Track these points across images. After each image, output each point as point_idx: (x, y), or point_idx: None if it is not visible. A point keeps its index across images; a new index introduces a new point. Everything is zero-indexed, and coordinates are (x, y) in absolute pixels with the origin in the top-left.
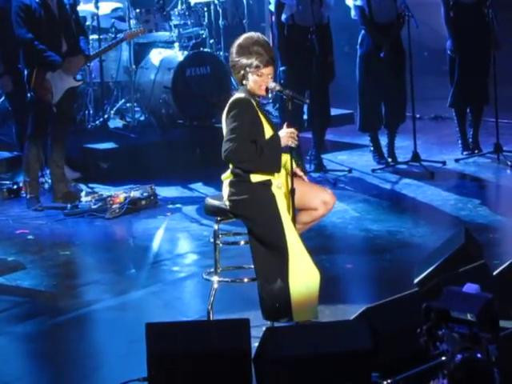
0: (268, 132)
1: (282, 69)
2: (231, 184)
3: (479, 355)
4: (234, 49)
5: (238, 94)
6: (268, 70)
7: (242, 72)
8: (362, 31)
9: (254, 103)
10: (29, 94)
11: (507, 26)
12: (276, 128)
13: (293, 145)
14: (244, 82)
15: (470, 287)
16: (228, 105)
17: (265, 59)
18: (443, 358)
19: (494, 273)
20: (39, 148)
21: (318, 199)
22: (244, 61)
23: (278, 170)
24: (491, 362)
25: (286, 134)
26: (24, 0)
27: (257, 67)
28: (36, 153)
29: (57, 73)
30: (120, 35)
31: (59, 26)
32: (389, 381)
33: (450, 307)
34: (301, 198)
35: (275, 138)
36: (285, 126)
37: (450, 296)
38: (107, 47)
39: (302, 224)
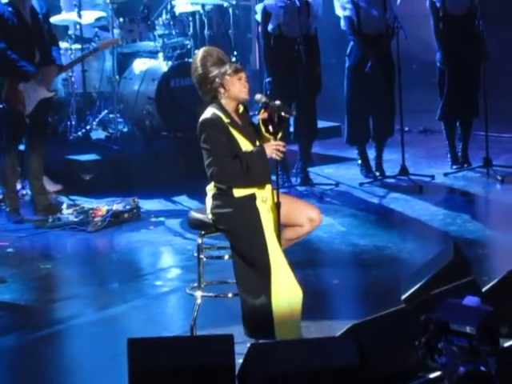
0: (245, 146)
1: (267, 80)
2: (214, 197)
3: (482, 368)
4: (204, 61)
5: (205, 114)
6: (244, 75)
7: (218, 81)
8: (351, 42)
9: (225, 118)
10: (1, 105)
11: (497, 38)
12: (255, 139)
13: (278, 158)
14: (220, 93)
15: (471, 300)
16: (197, 128)
17: (237, 65)
18: (441, 372)
19: (483, 289)
20: (14, 160)
21: (305, 216)
22: (218, 70)
23: (268, 182)
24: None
25: (271, 146)
26: None
27: (236, 71)
28: (11, 165)
29: (30, 83)
30: (93, 44)
31: (32, 35)
32: None
33: (449, 319)
34: (286, 214)
35: (259, 149)
36: (272, 139)
37: (449, 308)
38: (80, 57)
39: (287, 240)
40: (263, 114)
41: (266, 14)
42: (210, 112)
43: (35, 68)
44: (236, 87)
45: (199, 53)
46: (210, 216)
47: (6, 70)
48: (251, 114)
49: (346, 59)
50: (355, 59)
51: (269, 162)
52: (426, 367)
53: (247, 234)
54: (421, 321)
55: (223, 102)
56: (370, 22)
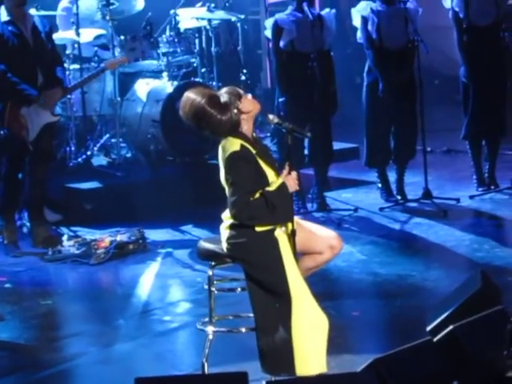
0: (271, 176)
1: (281, 100)
2: (232, 226)
3: None
4: (210, 111)
5: (232, 147)
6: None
7: (236, 113)
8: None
9: (252, 149)
10: (2, 132)
11: None
12: (276, 166)
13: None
14: (243, 120)
15: None
16: (225, 160)
17: (234, 90)
18: None
19: None
20: (14, 189)
21: (324, 243)
22: (231, 107)
23: (292, 219)
24: None
25: (293, 181)
26: None
27: (239, 96)
28: (10, 194)
29: (32, 108)
30: (101, 64)
31: (34, 56)
32: None
33: None
34: (305, 241)
35: (283, 187)
36: (286, 168)
37: None
38: (87, 78)
39: (305, 270)
40: None
41: (278, 29)
42: (236, 144)
43: (38, 91)
44: (251, 104)
45: (194, 101)
46: (225, 245)
47: (6, 94)
48: (262, 135)
49: (365, 76)
50: (375, 76)
51: (291, 199)
52: None
53: (265, 263)
54: (507, 330)
55: (244, 128)
56: (391, 36)
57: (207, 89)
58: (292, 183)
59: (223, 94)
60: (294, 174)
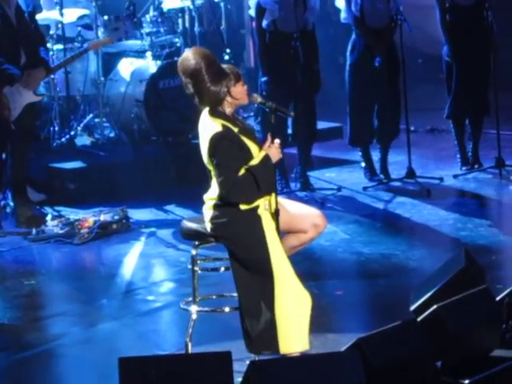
0: (255, 152)
1: (263, 79)
2: (216, 206)
3: None
4: (205, 71)
5: (214, 128)
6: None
7: (224, 91)
8: (353, 37)
9: (233, 127)
10: None
11: (508, 30)
12: (259, 142)
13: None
14: (227, 101)
15: None
16: (209, 142)
17: (236, 70)
18: None
19: (497, 298)
20: None
21: (308, 221)
22: (224, 81)
23: (275, 188)
24: None
25: (276, 150)
26: None
27: (238, 78)
28: None
29: (15, 87)
30: (84, 45)
31: (18, 36)
32: None
33: None
34: (288, 220)
35: (266, 159)
36: (269, 138)
37: None
38: (69, 59)
39: (289, 248)
40: None
41: (260, 9)
42: (218, 124)
43: (20, 71)
44: (241, 95)
45: (196, 59)
46: (208, 225)
47: None
48: (245, 115)
49: (348, 56)
50: (358, 56)
51: (274, 169)
52: None
53: (248, 241)
54: (504, 304)
55: (227, 110)
56: (374, 15)
57: (212, 54)
58: (275, 151)
59: (224, 68)
60: (276, 142)
